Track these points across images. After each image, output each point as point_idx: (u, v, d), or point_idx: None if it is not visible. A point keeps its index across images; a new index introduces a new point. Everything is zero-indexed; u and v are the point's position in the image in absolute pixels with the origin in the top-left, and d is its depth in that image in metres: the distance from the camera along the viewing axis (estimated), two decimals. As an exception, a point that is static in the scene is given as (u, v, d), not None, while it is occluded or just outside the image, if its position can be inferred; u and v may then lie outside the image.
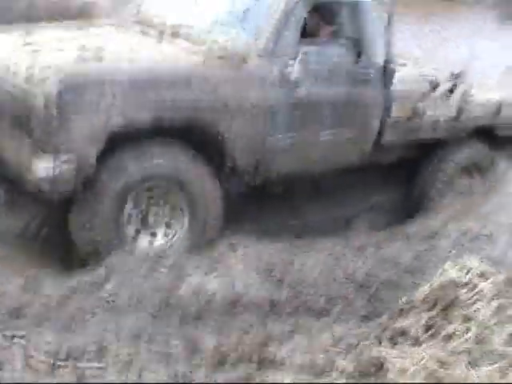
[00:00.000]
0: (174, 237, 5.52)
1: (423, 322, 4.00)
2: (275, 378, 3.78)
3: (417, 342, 3.88)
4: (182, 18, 6.09)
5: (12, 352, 3.92)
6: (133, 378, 3.81)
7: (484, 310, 3.92)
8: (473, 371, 3.61)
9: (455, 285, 4.08)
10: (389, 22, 6.40)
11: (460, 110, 6.90)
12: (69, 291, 4.73)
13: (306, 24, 5.94)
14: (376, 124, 6.37)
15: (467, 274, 4.15)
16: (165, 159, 5.27)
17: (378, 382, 3.40)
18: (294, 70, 5.65)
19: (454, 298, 4.01)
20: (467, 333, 3.83)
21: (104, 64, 5.06)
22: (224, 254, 5.59)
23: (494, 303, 3.98)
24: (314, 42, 6.01)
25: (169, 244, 5.50)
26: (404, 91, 6.54)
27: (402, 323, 4.08)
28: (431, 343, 3.82)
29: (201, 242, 5.51)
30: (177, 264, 5.31)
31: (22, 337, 4.07)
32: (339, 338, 4.32)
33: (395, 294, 5.17)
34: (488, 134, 7.27)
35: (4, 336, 4.07)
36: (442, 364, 3.66)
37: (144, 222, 5.41)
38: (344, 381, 3.64)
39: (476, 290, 4.06)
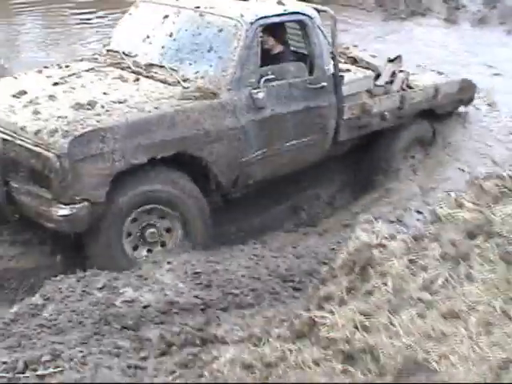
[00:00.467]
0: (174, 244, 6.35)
1: (344, 284, 4.36)
2: (219, 353, 4.05)
3: (342, 302, 4.22)
4: (149, 57, 6.92)
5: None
6: (90, 373, 4.03)
7: (397, 265, 4.30)
8: (394, 318, 3.97)
9: (368, 247, 4.46)
10: (333, 34, 7.20)
11: (403, 100, 7.87)
12: (12, 316, 4.93)
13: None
14: (332, 126, 7.26)
15: (377, 237, 4.55)
16: (160, 185, 6.11)
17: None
18: (259, 95, 6.51)
19: (368, 259, 4.38)
20: (385, 286, 4.20)
21: (102, 119, 5.85)
22: (150, 271, 5.89)
23: (405, 258, 4.37)
24: (272, 66, 6.75)
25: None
26: (352, 93, 7.42)
27: (326, 290, 4.42)
28: (355, 301, 4.17)
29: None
30: (108, 284, 5.58)
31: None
32: (272, 317, 4.65)
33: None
34: (428, 112, 8.32)
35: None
36: (367, 315, 4.02)
37: (142, 238, 6.24)
38: (279, 344, 3.94)
39: (387, 250, 4.46)
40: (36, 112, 5.96)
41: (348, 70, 7.78)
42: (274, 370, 3.81)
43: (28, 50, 12.32)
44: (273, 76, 6.66)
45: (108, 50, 7.34)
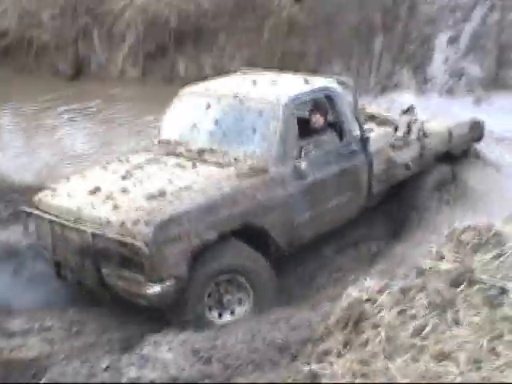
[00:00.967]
0: (245, 311, 6.95)
1: (340, 338, 4.61)
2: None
3: (339, 355, 4.47)
4: (200, 143, 7.65)
5: None
6: None
7: (387, 316, 4.57)
8: (390, 363, 4.22)
9: (360, 302, 4.74)
10: (354, 101, 7.96)
11: (423, 148, 8.61)
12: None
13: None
14: (365, 182, 8.03)
15: (367, 292, 4.84)
16: (232, 256, 6.77)
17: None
18: (302, 166, 7.26)
19: (361, 313, 4.66)
20: (378, 336, 4.46)
21: (175, 206, 6.50)
22: (151, 351, 6.11)
23: (394, 309, 4.65)
24: (309, 138, 7.53)
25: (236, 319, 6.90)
26: (378, 149, 8.15)
27: (324, 346, 4.67)
28: (351, 352, 4.42)
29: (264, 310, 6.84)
30: (112, 364, 5.79)
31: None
32: (275, 377, 4.87)
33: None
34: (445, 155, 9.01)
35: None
36: (364, 363, 4.27)
37: (220, 302, 6.85)
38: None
39: (377, 303, 4.73)
40: (115, 206, 6.60)
41: (370, 129, 8.49)
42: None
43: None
44: (311, 146, 7.46)
45: (159, 141, 8.06)
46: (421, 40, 13.86)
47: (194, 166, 7.28)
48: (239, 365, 5.85)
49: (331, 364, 4.32)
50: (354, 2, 14.73)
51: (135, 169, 7.39)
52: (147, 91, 14.84)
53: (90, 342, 6.78)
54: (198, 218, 6.50)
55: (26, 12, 16.33)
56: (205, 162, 7.34)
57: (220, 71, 13.92)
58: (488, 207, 8.35)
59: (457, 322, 4.48)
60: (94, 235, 6.55)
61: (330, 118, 7.98)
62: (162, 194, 6.66)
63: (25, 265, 7.88)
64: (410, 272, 5.20)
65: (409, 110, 9.13)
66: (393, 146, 8.42)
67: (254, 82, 7.98)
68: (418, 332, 4.46)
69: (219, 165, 7.22)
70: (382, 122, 8.93)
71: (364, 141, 7.98)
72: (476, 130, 9.53)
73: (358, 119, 7.99)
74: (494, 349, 4.23)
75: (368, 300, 4.79)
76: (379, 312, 4.65)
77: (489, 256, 5.01)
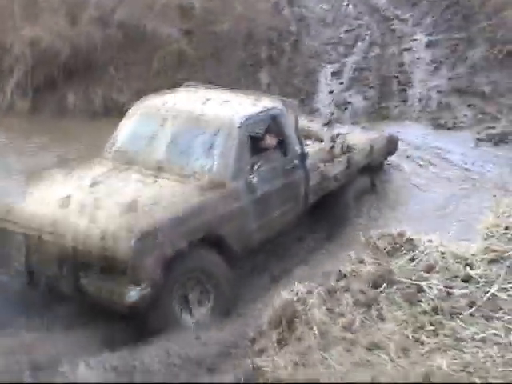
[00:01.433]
0: (206, 309, 7.43)
1: (275, 337, 4.92)
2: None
3: (276, 353, 4.77)
4: (157, 156, 8.09)
5: None
6: None
7: (318, 314, 4.92)
8: (326, 354, 4.56)
9: (291, 303, 5.07)
10: (296, 120, 8.67)
11: (349, 161, 9.40)
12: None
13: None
14: (303, 193, 8.75)
15: (297, 293, 5.18)
16: (197, 261, 7.34)
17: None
18: (253, 180, 7.94)
19: (293, 312, 4.99)
20: (311, 331, 4.80)
21: (149, 220, 6.97)
22: (68, 370, 6.30)
23: (323, 308, 5.01)
24: (258, 156, 8.15)
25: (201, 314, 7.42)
26: (312, 164, 8.86)
27: (259, 346, 4.97)
28: (288, 347, 4.74)
29: (222, 310, 7.44)
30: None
31: None
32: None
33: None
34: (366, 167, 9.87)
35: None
36: (302, 355, 4.59)
37: (186, 301, 7.31)
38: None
39: (307, 303, 5.08)
40: (92, 219, 7.00)
41: (308, 145, 9.22)
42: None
43: None
44: (260, 162, 8.10)
45: (115, 151, 8.45)
46: (306, 73, 14.44)
47: (156, 179, 7.78)
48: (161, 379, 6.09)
49: (271, 358, 4.59)
50: (241, 37, 15.21)
51: (100, 178, 7.77)
52: (36, 123, 14.75)
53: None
54: (170, 229, 7.03)
55: None
56: (164, 174, 7.85)
57: (110, 104, 14.23)
58: (400, 213, 9.42)
59: (381, 318, 4.90)
60: (73, 247, 6.92)
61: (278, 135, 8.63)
62: (134, 207, 7.12)
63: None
64: (332, 275, 5.58)
65: (329, 123, 10.07)
66: (324, 161, 9.15)
67: (207, 100, 8.58)
68: (347, 327, 4.84)
69: (178, 178, 7.76)
70: (311, 135, 9.60)
71: (303, 156, 8.71)
72: (392, 144, 10.45)
73: (298, 137, 8.72)
74: (418, 339, 4.66)
75: (298, 301, 5.11)
76: (309, 311, 4.98)
77: (403, 260, 5.48)
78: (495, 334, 4.60)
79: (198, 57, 14.92)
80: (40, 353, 7.04)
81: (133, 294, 6.81)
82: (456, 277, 5.24)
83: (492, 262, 5.39)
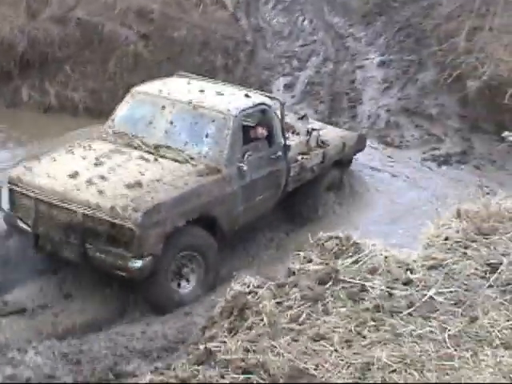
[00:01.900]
0: (195, 283, 8.47)
1: (226, 325, 5.21)
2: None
3: (227, 338, 5.06)
4: (156, 139, 8.90)
5: None
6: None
7: (268, 306, 5.23)
8: (274, 342, 4.87)
9: (243, 294, 5.38)
10: (282, 115, 9.55)
11: (324, 156, 10.26)
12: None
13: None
14: (283, 182, 9.69)
15: (248, 286, 5.49)
16: (191, 238, 8.31)
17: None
18: (244, 167, 8.81)
19: (244, 303, 5.29)
20: (261, 321, 5.11)
21: (154, 197, 7.86)
22: (16, 355, 6.56)
23: (273, 301, 5.32)
24: (248, 145, 9.07)
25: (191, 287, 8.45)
26: (293, 156, 9.74)
27: (209, 333, 5.25)
28: (239, 334, 5.03)
29: (209, 284, 8.48)
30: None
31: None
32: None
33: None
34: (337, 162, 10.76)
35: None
36: (252, 342, 4.89)
37: (179, 274, 8.33)
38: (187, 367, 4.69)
39: (258, 296, 5.39)
40: (101, 192, 7.84)
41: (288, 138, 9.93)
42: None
43: None
44: (250, 151, 8.97)
45: (114, 132, 9.13)
46: (260, 84, 14.73)
47: (156, 159, 8.53)
48: (106, 365, 6.39)
49: (224, 342, 4.88)
50: (198, 44, 15.45)
51: (103, 157, 8.44)
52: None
53: None
54: (172, 207, 7.90)
55: None
56: (163, 156, 8.58)
57: (64, 101, 14.34)
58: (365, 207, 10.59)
59: (327, 312, 5.23)
60: (84, 215, 7.69)
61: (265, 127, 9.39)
62: (139, 184, 7.93)
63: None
64: (282, 271, 5.91)
65: (304, 117, 10.70)
66: (302, 153, 9.93)
67: (202, 91, 9.39)
68: (294, 319, 5.16)
69: (176, 161, 8.54)
70: (287, 128, 10.10)
71: (286, 148, 9.56)
72: (361, 142, 11.31)
73: (283, 130, 9.56)
74: (360, 332, 5.00)
75: (250, 293, 5.42)
76: (260, 303, 5.29)
77: (349, 261, 5.82)
78: (431, 332, 4.95)
79: (154, 60, 15.10)
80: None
81: (137, 262, 7.62)
82: (397, 280, 5.57)
83: (431, 268, 5.75)
